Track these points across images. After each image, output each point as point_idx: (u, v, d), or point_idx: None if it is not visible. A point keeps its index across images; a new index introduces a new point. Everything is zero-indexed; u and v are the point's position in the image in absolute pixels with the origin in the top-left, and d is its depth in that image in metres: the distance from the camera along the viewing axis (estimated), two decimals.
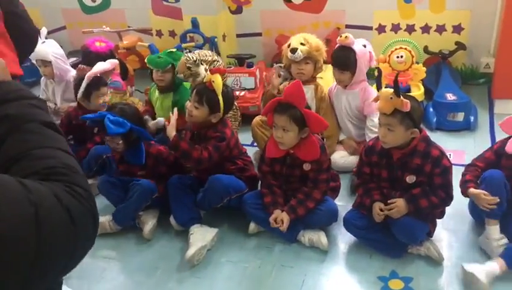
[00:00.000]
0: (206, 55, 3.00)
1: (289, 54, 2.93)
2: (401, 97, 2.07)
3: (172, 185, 2.60)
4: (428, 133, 3.50)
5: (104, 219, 2.60)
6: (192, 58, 2.92)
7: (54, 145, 0.89)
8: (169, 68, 3.14)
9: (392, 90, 2.08)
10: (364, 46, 2.98)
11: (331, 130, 2.98)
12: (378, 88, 2.25)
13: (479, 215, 2.36)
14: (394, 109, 2.09)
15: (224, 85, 2.52)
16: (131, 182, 2.58)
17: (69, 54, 4.89)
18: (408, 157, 2.20)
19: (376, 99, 2.17)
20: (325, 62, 4.00)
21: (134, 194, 2.54)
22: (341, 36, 2.94)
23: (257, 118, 3.12)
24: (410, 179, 2.22)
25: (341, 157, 3.08)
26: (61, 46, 4.33)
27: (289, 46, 2.96)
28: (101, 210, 2.66)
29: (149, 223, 2.61)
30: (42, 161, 0.85)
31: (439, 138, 3.42)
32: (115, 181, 2.65)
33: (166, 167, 2.70)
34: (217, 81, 2.43)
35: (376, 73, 2.89)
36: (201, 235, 2.48)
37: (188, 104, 2.53)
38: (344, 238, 2.49)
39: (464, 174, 2.35)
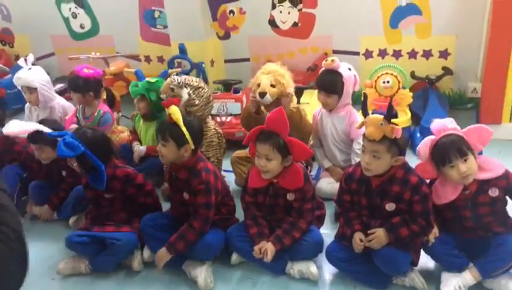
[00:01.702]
0: (192, 80, 2.98)
1: (257, 96, 2.83)
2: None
3: (147, 226, 2.48)
4: (415, 159, 3.50)
5: (80, 261, 2.52)
6: (177, 80, 2.90)
7: None
8: (143, 97, 3.14)
9: (381, 116, 2.04)
10: (349, 69, 2.96)
11: None
12: (364, 114, 2.21)
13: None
14: (383, 135, 2.05)
15: (188, 115, 2.44)
16: (104, 238, 2.45)
17: (56, 80, 4.90)
18: (387, 184, 2.16)
19: (361, 125, 2.13)
20: (312, 87, 4.03)
21: (115, 253, 2.45)
22: (326, 60, 2.91)
23: (234, 155, 3.06)
24: (390, 206, 2.18)
25: (328, 184, 3.04)
26: (48, 73, 4.33)
27: (258, 85, 2.85)
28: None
29: (135, 254, 2.53)
30: None
31: None
32: (82, 241, 2.47)
33: (135, 188, 2.60)
34: (174, 112, 2.30)
35: (362, 98, 2.88)
36: (198, 262, 2.42)
37: (158, 145, 2.43)
38: (329, 269, 2.42)
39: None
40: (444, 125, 2.14)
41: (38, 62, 5.53)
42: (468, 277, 2.14)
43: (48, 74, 4.31)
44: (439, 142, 2.11)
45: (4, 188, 0.86)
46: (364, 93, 2.36)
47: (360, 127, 2.13)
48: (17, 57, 3.72)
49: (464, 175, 2.05)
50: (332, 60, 2.87)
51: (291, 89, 2.88)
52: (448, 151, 2.06)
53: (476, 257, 2.14)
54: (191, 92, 2.91)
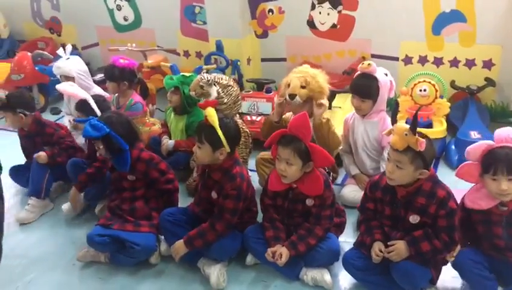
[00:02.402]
0: (221, 78, 2.98)
1: (287, 97, 2.78)
2: (417, 135, 1.97)
3: (166, 221, 2.49)
4: (448, 171, 3.42)
5: (101, 254, 2.57)
6: (207, 77, 2.90)
7: None
8: (177, 90, 3.16)
9: (407, 126, 1.98)
10: (386, 74, 2.88)
11: None
12: (393, 122, 2.15)
13: None
14: (407, 146, 1.99)
15: (225, 117, 2.41)
16: (124, 240, 2.46)
17: (98, 70, 5.03)
18: (412, 196, 2.09)
19: (389, 133, 2.07)
20: (346, 91, 3.95)
21: (134, 255, 2.48)
22: (363, 63, 2.83)
23: (259, 156, 3.03)
24: (414, 219, 2.11)
25: (351, 192, 2.97)
26: (89, 63, 4.48)
27: (288, 85, 2.80)
28: None
29: (155, 254, 2.57)
30: None
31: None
32: (102, 241, 2.47)
33: (158, 172, 2.64)
34: (210, 114, 2.28)
35: (394, 105, 2.80)
36: (212, 261, 2.43)
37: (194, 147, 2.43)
38: (344, 278, 2.38)
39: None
40: (508, 135, 1.97)
41: (83, 52, 5.73)
42: None
43: (89, 64, 4.48)
44: (494, 150, 1.96)
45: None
46: (396, 101, 2.28)
47: (388, 134, 2.07)
48: (64, 46, 3.84)
49: (502, 193, 1.94)
50: (369, 64, 2.79)
51: (325, 99, 2.80)
52: (499, 162, 1.92)
53: (506, 284, 2.02)
54: (220, 90, 2.92)
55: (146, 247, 2.47)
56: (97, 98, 3.02)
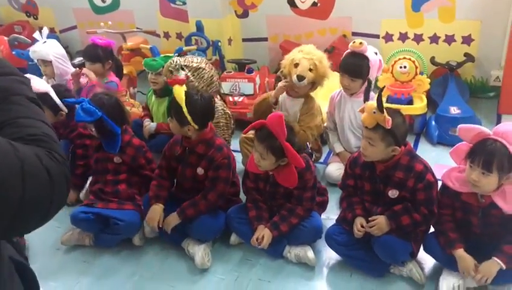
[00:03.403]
0: (191, 62, 2.94)
1: (294, 78, 2.73)
2: (385, 113, 1.98)
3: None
4: (429, 147, 3.46)
5: (86, 235, 2.57)
6: (175, 62, 2.90)
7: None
8: (163, 72, 3.13)
9: (375, 104, 1.99)
10: (376, 53, 2.88)
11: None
12: (365, 99, 2.16)
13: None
14: (377, 123, 2.01)
15: (196, 93, 2.40)
16: (109, 218, 2.47)
17: (78, 53, 4.93)
18: (391, 170, 2.11)
19: (362, 111, 2.09)
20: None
21: (118, 233, 2.49)
22: (354, 42, 2.79)
23: (243, 136, 3.02)
24: (393, 193, 2.14)
25: (336, 170, 2.99)
26: (67, 46, 4.39)
27: (296, 65, 2.75)
28: None
29: (138, 234, 2.57)
30: (26, 129, 0.99)
31: (439, 153, 3.33)
32: (86, 217, 2.48)
33: (145, 159, 2.67)
34: (177, 92, 2.30)
35: (370, 85, 2.81)
36: (197, 241, 2.45)
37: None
38: (328, 254, 2.41)
39: (445, 231, 2.14)
40: (505, 132, 1.88)
41: (61, 35, 5.61)
42: (471, 278, 2.07)
43: (67, 47, 4.40)
44: (486, 140, 1.91)
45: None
46: (369, 78, 2.28)
47: (361, 112, 2.08)
48: (41, 29, 3.76)
49: (472, 182, 1.94)
50: (360, 43, 2.76)
51: (323, 77, 2.81)
52: (480, 153, 1.90)
53: (481, 260, 2.03)
54: (189, 74, 2.89)
55: (130, 223, 2.47)
56: (57, 88, 2.93)
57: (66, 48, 3.91)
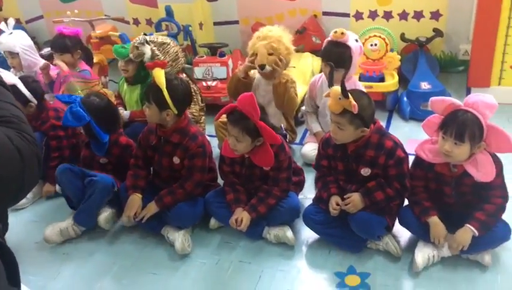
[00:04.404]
0: (156, 38, 2.99)
1: (258, 69, 2.77)
2: (350, 98, 2.00)
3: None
4: (402, 123, 3.52)
5: (66, 224, 2.54)
6: (140, 38, 2.92)
7: (4, 99, 1.06)
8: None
9: (340, 90, 2.01)
10: (356, 40, 2.86)
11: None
12: (330, 84, 2.18)
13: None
14: (344, 108, 2.03)
15: (175, 78, 2.41)
16: (86, 178, 2.50)
17: (45, 44, 4.83)
18: (362, 149, 2.15)
19: (327, 96, 2.11)
20: (300, 50, 3.97)
21: (93, 192, 2.47)
22: (336, 32, 2.77)
23: (218, 119, 3.01)
24: (365, 171, 2.18)
25: (312, 150, 3.02)
26: (34, 37, 4.28)
27: (256, 54, 2.75)
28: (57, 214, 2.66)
29: (104, 213, 2.55)
30: None
31: (412, 128, 3.40)
32: (76, 170, 2.54)
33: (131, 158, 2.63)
34: (157, 75, 2.30)
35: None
36: (176, 228, 2.45)
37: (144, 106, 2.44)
38: (306, 233, 2.45)
39: (419, 200, 2.20)
40: (476, 102, 1.94)
41: (28, 25, 5.47)
42: (446, 248, 2.15)
43: (34, 38, 4.29)
44: (457, 111, 1.97)
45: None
46: (330, 63, 2.30)
47: (327, 96, 2.11)
48: (6, 20, 3.66)
49: (445, 153, 2.00)
50: (342, 33, 2.76)
51: (287, 55, 2.78)
52: (452, 124, 1.96)
53: (454, 231, 2.10)
54: (154, 48, 2.90)
55: (104, 179, 2.47)
56: (25, 80, 2.87)
57: (33, 38, 3.83)
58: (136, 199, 2.42)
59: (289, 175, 2.40)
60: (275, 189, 2.36)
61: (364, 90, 2.89)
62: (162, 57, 2.87)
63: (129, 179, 2.49)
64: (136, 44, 2.92)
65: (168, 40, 2.99)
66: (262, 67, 2.74)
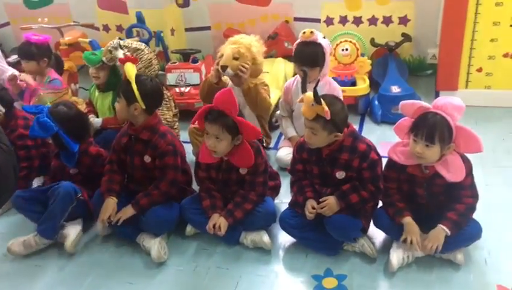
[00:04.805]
0: (130, 43, 3.00)
1: (219, 69, 2.76)
2: (323, 104, 2.02)
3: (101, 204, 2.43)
4: (374, 126, 3.58)
5: (29, 236, 2.46)
6: (113, 42, 2.93)
7: None
8: (104, 66, 3.06)
9: (312, 96, 2.04)
10: (324, 37, 2.90)
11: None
12: (303, 90, 2.20)
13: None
14: (317, 114, 2.05)
15: (146, 77, 2.44)
16: (49, 190, 2.44)
17: (12, 51, 4.72)
18: (336, 153, 2.18)
19: (301, 101, 2.13)
20: (272, 56, 4.00)
21: (55, 199, 2.40)
22: (304, 32, 2.80)
23: (192, 126, 2.99)
24: (340, 174, 2.21)
25: (287, 154, 3.02)
26: (0, 44, 4.18)
27: (222, 55, 2.75)
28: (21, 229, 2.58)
29: (71, 236, 2.46)
30: None
31: (383, 131, 3.45)
32: (29, 195, 2.50)
33: (102, 169, 2.59)
34: (127, 69, 2.33)
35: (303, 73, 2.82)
36: (151, 234, 2.42)
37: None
38: (283, 238, 2.45)
39: (393, 202, 2.24)
40: (445, 104, 2.00)
41: None
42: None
43: (1, 45, 4.19)
44: (427, 113, 2.02)
45: None
46: (304, 70, 2.33)
47: (300, 102, 2.13)
48: None
49: (417, 155, 2.04)
50: (311, 32, 2.78)
51: (256, 65, 2.78)
52: (422, 126, 2.00)
53: (427, 231, 2.14)
54: (128, 53, 2.89)
55: (64, 186, 2.41)
56: None
57: None
58: (111, 201, 2.39)
59: (265, 179, 2.41)
60: (252, 194, 2.36)
61: (339, 87, 2.95)
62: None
63: (104, 184, 2.46)
64: (109, 48, 2.92)
65: (142, 46, 3.00)
66: (223, 68, 2.73)
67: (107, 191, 2.42)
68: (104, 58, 2.98)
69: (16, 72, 3.45)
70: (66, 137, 2.43)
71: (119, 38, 3.01)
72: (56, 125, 2.41)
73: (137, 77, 2.34)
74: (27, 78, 3.26)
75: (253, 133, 2.26)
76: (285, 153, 3.04)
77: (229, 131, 2.20)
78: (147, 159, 2.41)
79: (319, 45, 2.82)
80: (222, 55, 2.75)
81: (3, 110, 2.76)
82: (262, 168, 2.38)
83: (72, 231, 2.48)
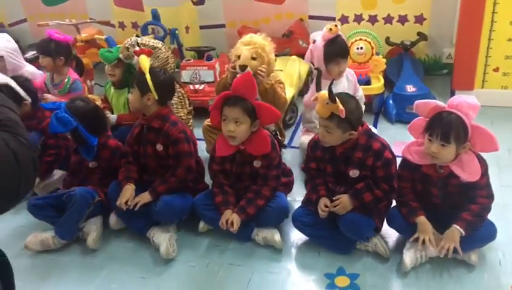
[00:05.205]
0: (148, 41, 3.02)
1: (238, 69, 2.74)
2: (338, 102, 2.02)
3: (115, 192, 2.47)
4: (388, 125, 3.56)
5: (47, 235, 2.49)
6: (131, 39, 2.97)
7: (1, 104, 1.06)
8: (120, 63, 3.08)
9: (327, 95, 2.03)
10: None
11: None
12: (318, 89, 2.19)
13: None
14: (331, 112, 2.05)
15: (160, 69, 2.52)
16: (64, 195, 2.46)
17: (29, 47, 4.79)
18: (350, 151, 2.17)
19: (315, 99, 2.13)
20: (286, 54, 3.99)
21: (72, 205, 2.43)
22: (331, 30, 2.80)
23: (205, 123, 3.01)
24: (354, 173, 2.20)
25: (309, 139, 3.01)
26: (18, 40, 4.22)
27: (238, 57, 2.75)
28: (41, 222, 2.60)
29: (92, 233, 2.49)
30: None
31: (398, 131, 3.43)
32: (42, 203, 2.53)
33: (120, 162, 2.62)
34: (142, 60, 2.40)
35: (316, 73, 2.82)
36: (162, 230, 2.45)
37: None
38: (296, 235, 2.46)
39: (407, 201, 2.23)
40: (460, 103, 1.98)
41: (11, 29, 5.40)
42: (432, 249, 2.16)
43: (18, 41, 4.23)
44: (442, 113, 2.01)
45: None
46: (318, 68, 2.33)
47: (315, 100, 2.13)
48: None
49: (432, 155, 2.03)
50: (335, 26, 2.82)
51: (269, 65, 2.79)
52: (437, 126, 2.00)
53: (441, 231, 2.13)
54: None
55: (81, 191, 2.44)
56: (16, 79, 2.84)
57: (16, 42, 3.78)
58: (129, 188, 2.43)
59: (278, 173, 2.43)
60: (264, 189, 2.37)
61: (354, 75, 2.99)
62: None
63: (121, 173, 2.51)
64: (127, 45, 2.95)
65: (159, 44, 3.01)
66: (243, 68, 2.72)
67: (125, 178, 2.47)
68: (121, 55, 3.01)
69: (30, 69, 3.50)
70: (85, 131, 2.46)
71: (137, 36, 3.03)
72: (75, 120, 2.44)
73: (151, 68, 2.42)
74: (48, 96, 3.27)
75: (272, 115, 2.29)
76: (308, 137, 3.02)
77: (248, 114, 2.23)
78: (159, 147, 2.45)
79: (341, 36, 2.88)
80: (238, 57, 2.76)
81: (30, 99, 2.79)
82: (276, 161, 2.39)
83: (93, 228, 2.51)
